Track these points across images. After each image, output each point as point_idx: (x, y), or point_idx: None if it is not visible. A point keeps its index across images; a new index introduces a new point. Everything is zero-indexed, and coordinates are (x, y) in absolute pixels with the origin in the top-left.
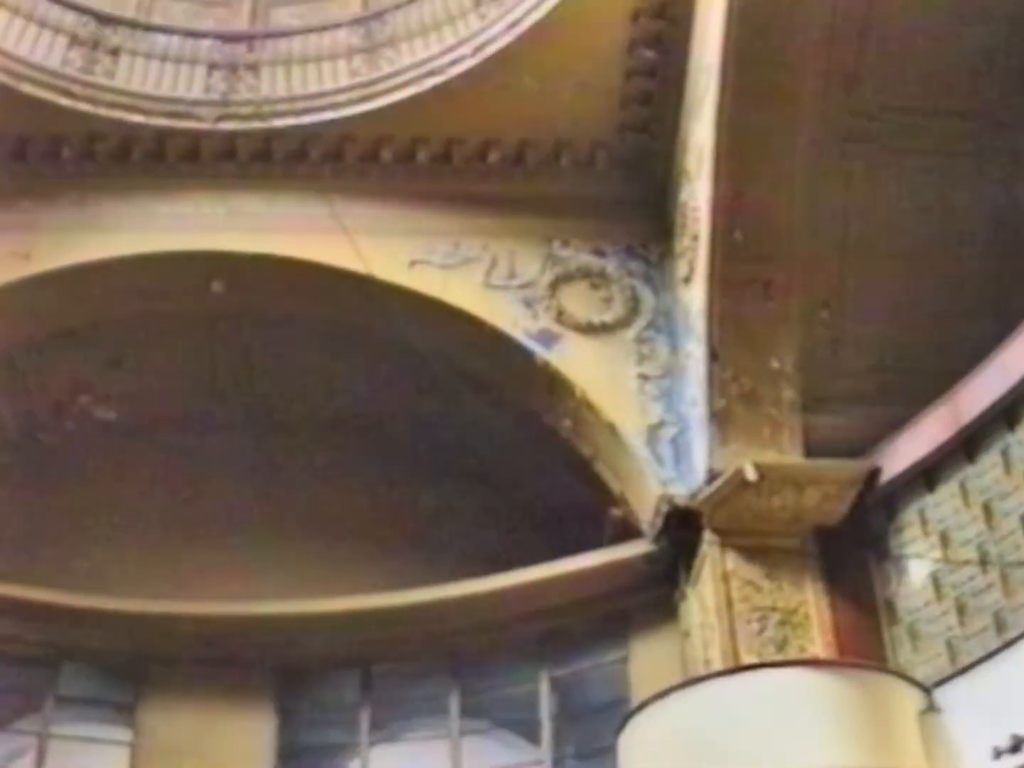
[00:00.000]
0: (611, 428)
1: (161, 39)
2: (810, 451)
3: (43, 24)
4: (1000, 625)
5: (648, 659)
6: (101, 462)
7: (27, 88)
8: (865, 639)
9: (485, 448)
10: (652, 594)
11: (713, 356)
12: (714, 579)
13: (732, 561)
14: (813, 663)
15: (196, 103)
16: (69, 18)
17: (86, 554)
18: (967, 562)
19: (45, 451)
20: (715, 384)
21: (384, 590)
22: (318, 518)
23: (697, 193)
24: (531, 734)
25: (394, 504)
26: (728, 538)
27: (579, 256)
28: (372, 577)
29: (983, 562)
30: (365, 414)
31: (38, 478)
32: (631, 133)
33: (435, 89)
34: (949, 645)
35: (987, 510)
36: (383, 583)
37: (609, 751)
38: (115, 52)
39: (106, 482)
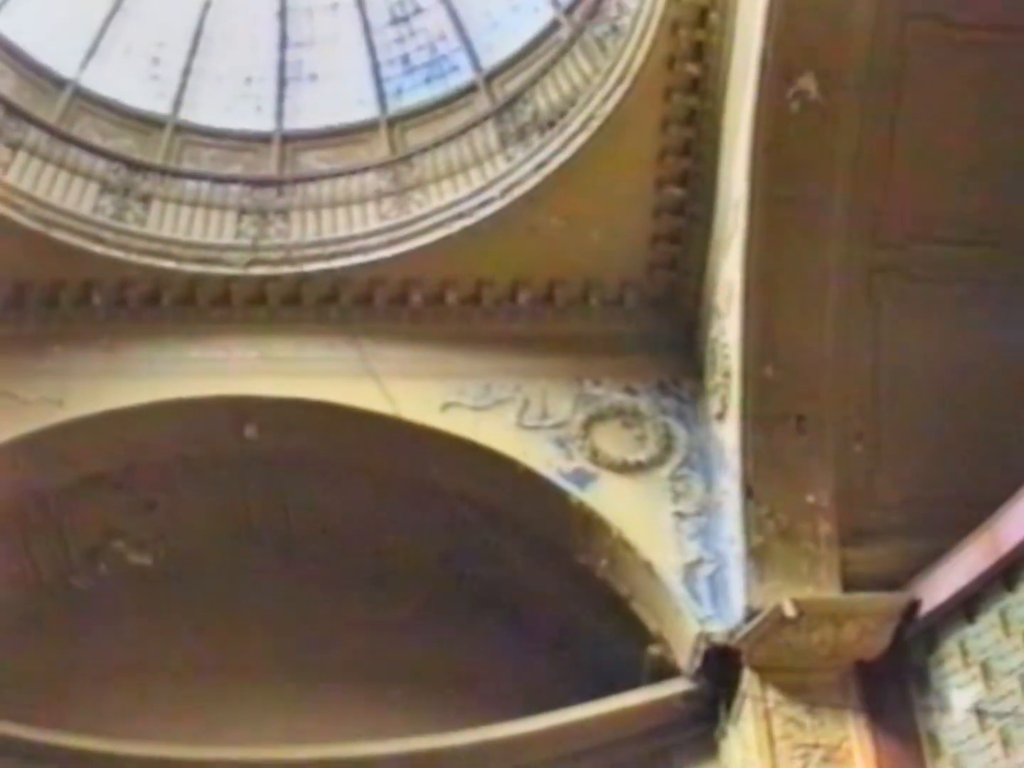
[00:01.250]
0: (648, 567)
1: (191, 185)
2: (848, 584)
3: (74, 171)
4: None
5: None
6: (135, 606)
7: (59, 235)
8: None
9: (521, 588)
10: (692, 732)
11: (748, 493)
12: (755, 717)
13: (773, 698)
14: None
15: (226, 248)
16: (100, 165)
17: (119, 699)
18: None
19: (78, 596)
20: (751, 521)
21: (424, 733)
22: (356, 661)
23: (727, 329)
24: None
25: (432, 646)
26: (768, 675)
27: (611, 395)
28: (412, 720)
29: None
30: (401, 556)
31: (71, 623)
32: (660, 271)
33: (464, 231)
34: None
35: None
36: (423, 726)
37: None
38: (146, 198)
39: (140, 626)
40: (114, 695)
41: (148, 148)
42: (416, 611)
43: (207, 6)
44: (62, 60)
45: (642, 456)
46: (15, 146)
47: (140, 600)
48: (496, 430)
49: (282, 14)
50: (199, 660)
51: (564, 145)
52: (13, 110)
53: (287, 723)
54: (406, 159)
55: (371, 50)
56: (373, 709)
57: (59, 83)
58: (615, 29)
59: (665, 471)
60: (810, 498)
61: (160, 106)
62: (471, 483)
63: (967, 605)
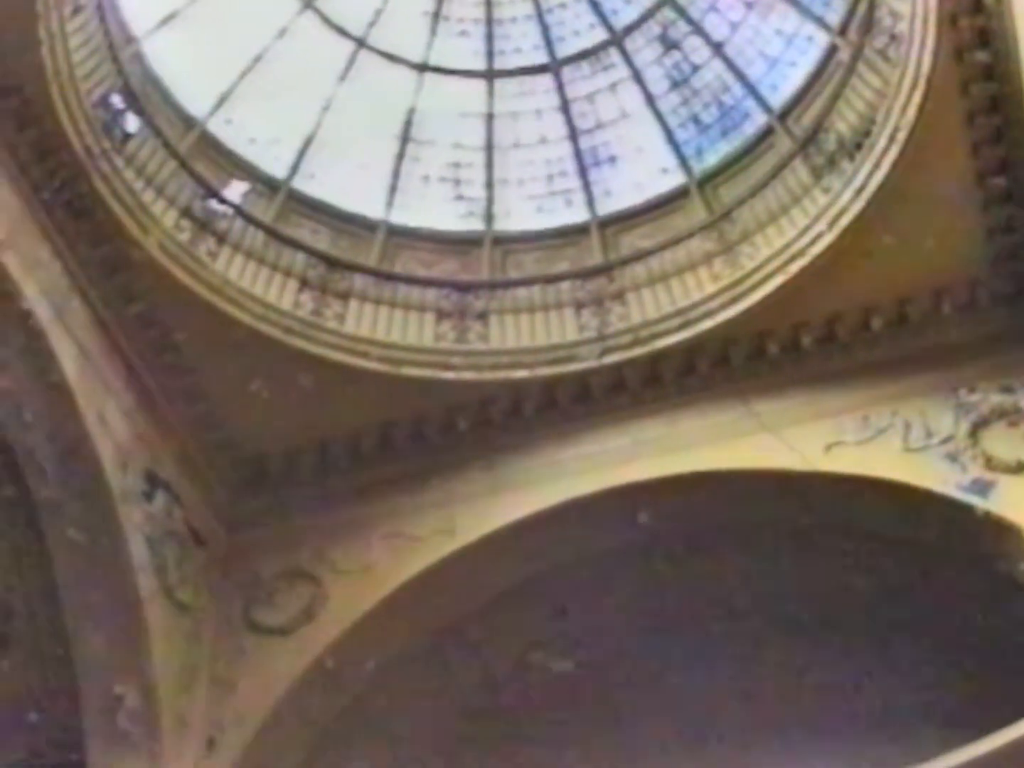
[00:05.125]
0: None
1: (522, 292)
2: None
3: (406, 306)
4: None
5: None
6: (561, 712)
7: (409, 371)
8: None
9: (941, 613)
10: None
11: None
12: None
13: None
14: None
15: (574, 345)
16: (430, 294)
17: None
18: None
19: (506, 712)
20: None
21: None
22: (792, 717)
23: None
24: None
25: (870, 691)
26: None
27: (989, 398)
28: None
29: None
30: (815, 609)
31: (504, 741)
32: (1004, 263)
33: (802, 272)
34: None
35: None
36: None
37: None
38: (482, 315)
39: (566, 732)
40: None
41: (472, 268)
42: (861, 658)
43: (490, 118)
44: (367, 204)
45: None
46: (344, 296)
47: (566, 705)
48: (883, 461)
49: (564, 107)
50: (626, 758)
51: (877, 164)
52: (335, 263)
53: None
54: (726, 216)
55: (660, 119)
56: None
57: (371, 226)
58: (893, 38)
59: None
60: None
61: (473, 224)
62: (861, 517)
63: None
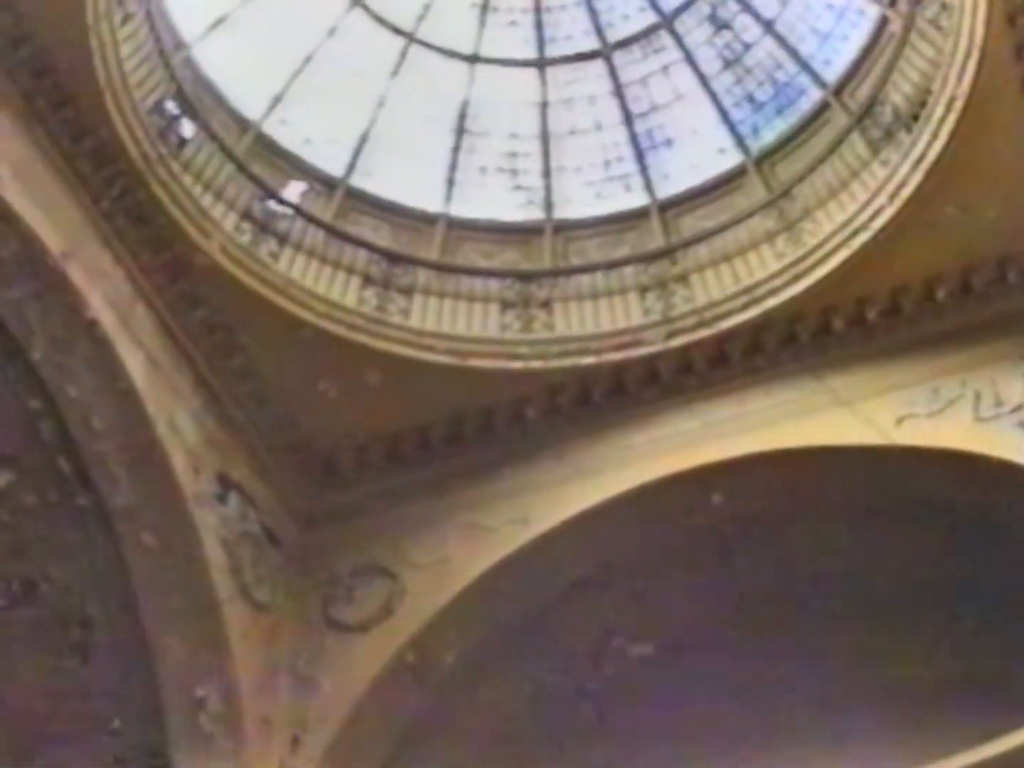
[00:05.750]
0: None
1: (586, 279)
2: None
3: (470, 297)
4: None
5: None
6: (642, 697)
7: (475, 362)
8: None
9: (1017, 585)
10: None
11: None
12: None
13: None
14: None
15: (640, 329)
16: (493, 284)
17: None
18: None
19: (587, 699)
20: None
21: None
22: (887, 694)
23: None
24: None
25: (955, 662)
26: None
27: None
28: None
29: None
30: (892, 585)
31: (586, 728)
32: None
33: (864, 246)
34: None
35: None
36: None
37: None
38: (546, 304)
39: (649, 716)
40: None
41: (534, 256)
42: (933, 634)
43: (544, 106)
44: (426, 198)
45: None
46: (408, 290)
47: (647, 690)
48: (955, 431)
49: (618, 92)
50: (705, 742)
51: (935, 134)
52: (397, 258)
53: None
54: (785, 194)
55: (714, 99)
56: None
57: (430, 219)
58: (944, 7)
59: None
60: None
61: (532, 213)
62: (934, 490)
63: None
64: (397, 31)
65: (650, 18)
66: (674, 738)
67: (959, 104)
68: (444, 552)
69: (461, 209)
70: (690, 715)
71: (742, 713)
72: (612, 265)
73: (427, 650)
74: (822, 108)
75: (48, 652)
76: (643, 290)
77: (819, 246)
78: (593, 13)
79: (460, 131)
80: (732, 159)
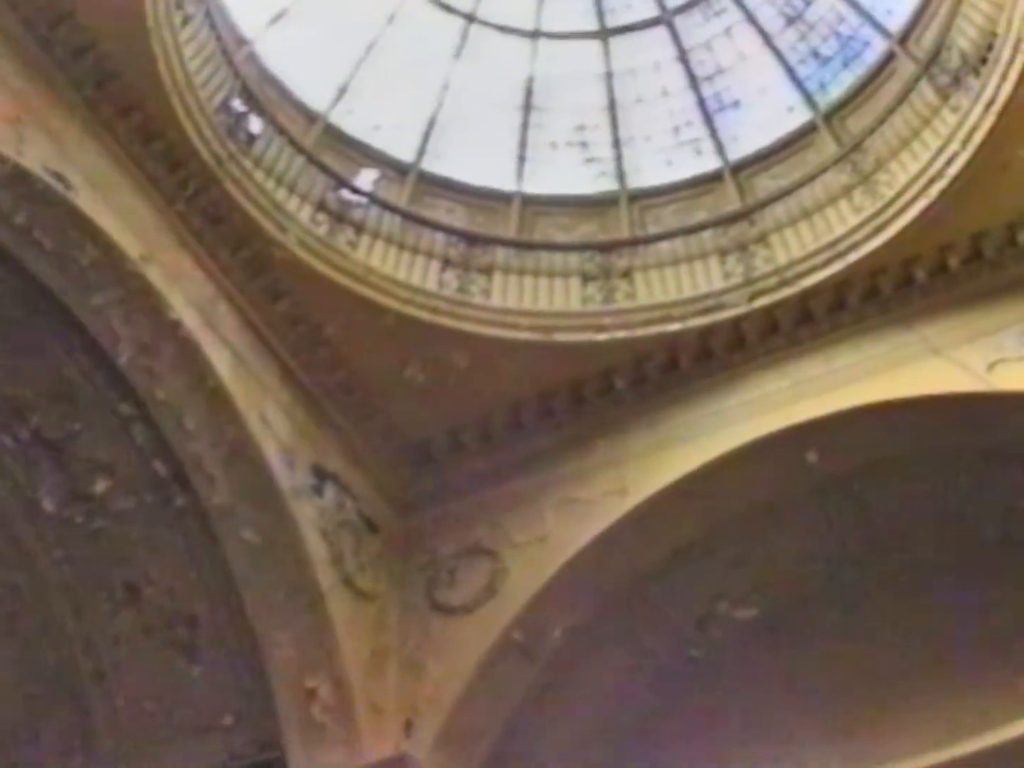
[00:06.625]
0: None
1: (664, 246)
2: None
3: (550, 273)
4: None
5: None
6: (751, 660)
7: (561, 337)
8: None
9: None
10: None
11: None
12: None
13: None
14: None
15: (722, 293)
16: (572, 258)
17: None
18: None
19: (695, 665)
20: None
21: None
22: (988, 650)
23: None
24: None
25: None
26: None
27: None
28: None
29: None
30: (993, 533)
31: (696, 694)
32: None
33: (941, 194)
34: None
35: None
36: None
37: None
38: (626, 272)
39: (758, 679)
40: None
41: (611, 227)
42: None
43: (609, 76)
44: (498, 178)
45: None
46: (487, 270)
47: (756, 654)
48: None
49: (682, 57)
50: (817, 698)
51: (1004, 76)
52: (475, 239)
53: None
54: (857, 147)
55: (779, 57)
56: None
57: (505, 198)
58: None
59: None
60: None
61: (606, 184)
62: None
63: None
64: (456, 13)
65: None
66: (782, 698)
67: None
68: (543, 528)
69: (534, 186)
70: (796, 674)
71: (848, 669)
72: (690, 230)
73: (533, 627)
74: (888, 58)
75: (155, 654)
76: (723, 253)
77: (896, 197)
78: None
79: (527, 108)
80: (801, 116)
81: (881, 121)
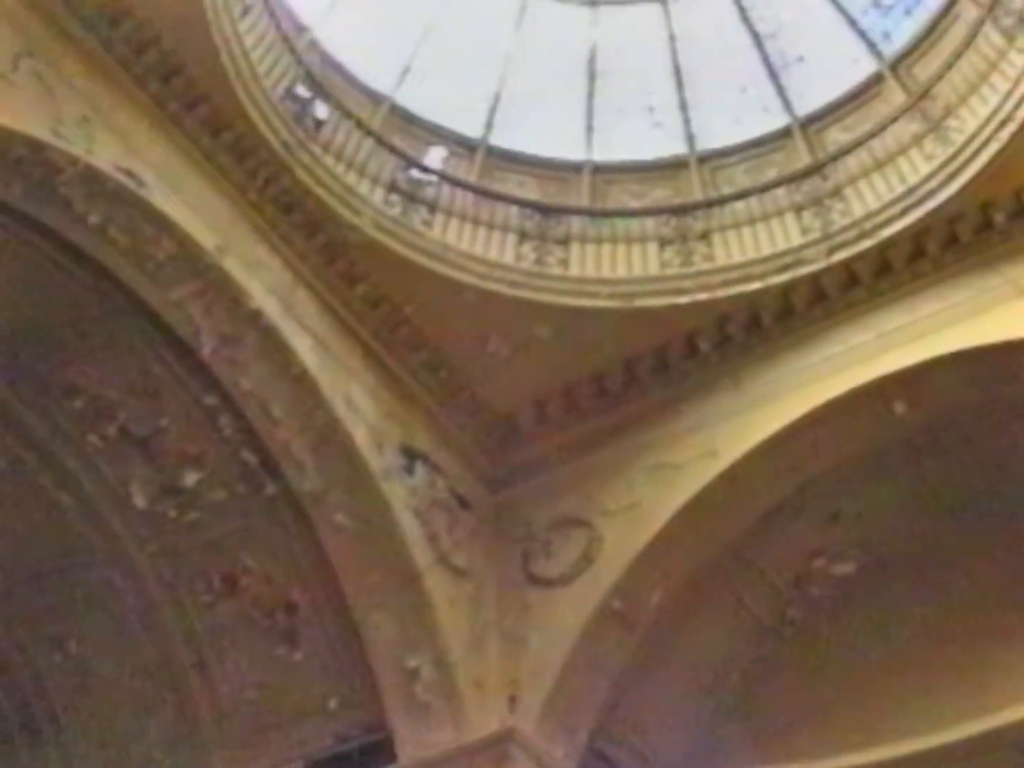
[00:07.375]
0: None
1: (740, 206)
2: None
3: (627, 240)
4: None
5: None
6: (850, 616)
7: (641, 302)
8: None
9: None
10: None
11: None
12: None
13: None
14: None
15: (800, 249)
16: (649, 224)
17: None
18: None
19: (796, 624)
20: None
21: None
22: None
23: None
24: None
25: None
26: None
27: None
28: None
29: None
30: None
31: (798, 652)
32: None
33: (1013, 137)
34: None
35: None
36: None
37: None
38: (704, 235)
39: (858, 634)
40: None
41: (684, 190)
42: None
43: (672, 39)
44: (567, 148)
45: None
46: (564, 240)
47: (857, 608)
48: None
49: (743, 15)
50: (917, 652)
51: None
52: (549, 210)
53: None
54: (925, 94)
55: (841, 9)
56: None
57: (575, 168)
58: None
59: None
60: None
61: (675, 148)
62: None
63: None
64: None
65: None
66: (883, 653)
67: None
68: (635, 496)
69: (603, 153)
70: (897, 629)
71: (948, 622)
72: (764, 188)
73: (631, 595)
74: (951, 3)
75: (257, 642)
76: (798, 209)
77: (968, 142)
78: None
79: (591, 76)
80: (867, 67)
81: (948, 67)
